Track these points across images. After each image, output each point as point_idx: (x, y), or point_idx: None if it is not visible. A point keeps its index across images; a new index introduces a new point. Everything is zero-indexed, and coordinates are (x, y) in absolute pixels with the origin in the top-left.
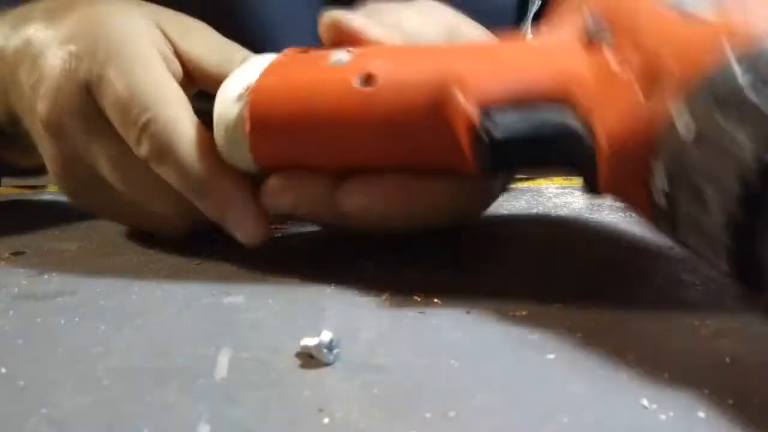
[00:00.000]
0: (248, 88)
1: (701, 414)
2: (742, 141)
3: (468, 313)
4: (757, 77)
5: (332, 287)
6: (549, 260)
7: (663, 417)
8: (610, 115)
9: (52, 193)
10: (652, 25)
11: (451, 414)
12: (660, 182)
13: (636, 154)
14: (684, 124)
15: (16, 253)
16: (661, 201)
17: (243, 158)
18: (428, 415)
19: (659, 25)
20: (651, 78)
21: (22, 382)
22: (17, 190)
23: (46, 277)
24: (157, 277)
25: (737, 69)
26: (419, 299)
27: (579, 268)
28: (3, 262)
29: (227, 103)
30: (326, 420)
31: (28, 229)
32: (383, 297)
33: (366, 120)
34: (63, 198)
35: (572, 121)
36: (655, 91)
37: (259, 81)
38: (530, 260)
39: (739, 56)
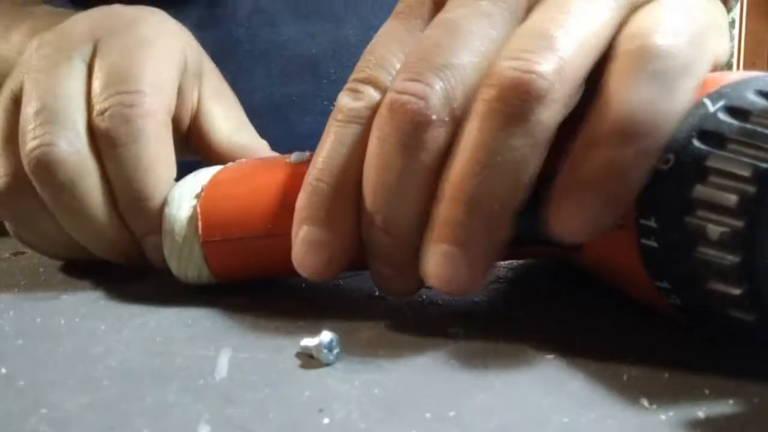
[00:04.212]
0: (204, 187)
1: (701, 414)
2: (729, 156)
3: (468, 313)
4: (726, 102)
5: (332, 287)
6: (548, 261)
7: (663, 417)
8: None
9: None
10: None
11: (451, 414)
12: (646, 222)
13: None
14: (663, 160)
15: (16, 254)
16: (650, 240)
17: (193, 258)
18: (428, 415)
19: None
20: None
21: (22, 382)
22: None
23: (46, 277)
24: (157, 277)
25: (708, 101)
26: (420, 300)
27: (579, 269)
28: (3, 262)
29: (180, 202)
30: (326, 420)
31: None
32: (383, 297)
33: None
34: None
35: None
36: None
37: (215, 176)
38: (530, 262)
39: (708, 95)
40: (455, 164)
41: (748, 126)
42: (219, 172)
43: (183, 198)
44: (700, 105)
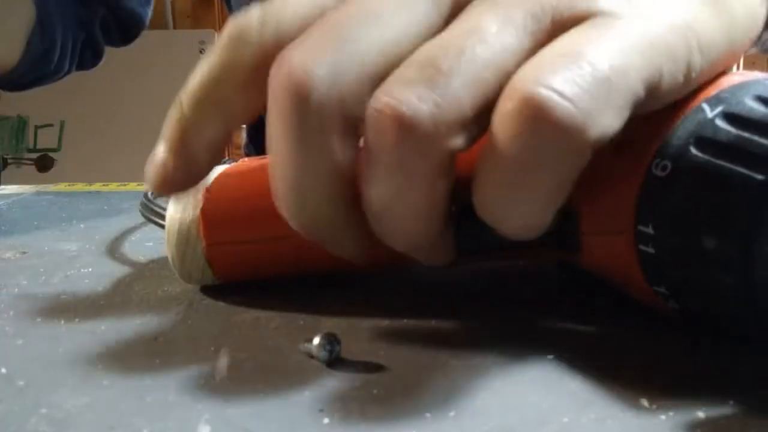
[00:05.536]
0: (206, 189)
1: (701, 414)
2: (723, 163)
3: (468, 313)
4: (724, 108)
5: (332, 287)
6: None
7: (663, 417)
8: (586, 174)
9: (52, 193)
10: None
11: (451, 414)
12: (644, 228)
13: (616, 206)
14: (660, 167)
15: (16, 254)
16: (647, 246)
17: (196, 260)
18: (428, 415)
19: None
20: (619, 140)
21: (22, 382)
22: (18, 191)
23: (45, 277)
24: (158, 277)
25: (706, 106)
26: (420, 300)
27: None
28: (3, 262)
29: (184, 204)
30: (326, 420)
31: (28, 230)
32: (383, 297)
33: None
34: (63, 198)
35: None
36: (626, 150)
37: (217, 177)
38: (530, 262)
39: (707, 99)
40: (363, 197)
41: (746, 134)
42: (221, 173)
43: (186, 200)
44: (698, 110)
